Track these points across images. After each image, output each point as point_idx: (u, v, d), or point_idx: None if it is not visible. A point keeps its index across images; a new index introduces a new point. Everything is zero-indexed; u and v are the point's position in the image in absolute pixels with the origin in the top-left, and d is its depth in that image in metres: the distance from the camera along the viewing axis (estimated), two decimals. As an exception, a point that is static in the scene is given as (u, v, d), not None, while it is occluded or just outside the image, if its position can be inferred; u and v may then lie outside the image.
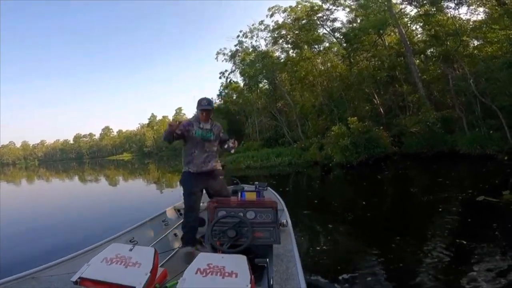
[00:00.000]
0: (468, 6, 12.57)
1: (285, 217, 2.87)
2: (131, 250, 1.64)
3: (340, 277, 3.34)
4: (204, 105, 2.88)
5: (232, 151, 3.04)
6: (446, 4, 12.86)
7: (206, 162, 2.89)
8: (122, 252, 1.62)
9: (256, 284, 1.73)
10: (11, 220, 8.20)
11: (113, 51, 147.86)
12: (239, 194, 2.71)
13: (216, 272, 1.43)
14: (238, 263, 1.51)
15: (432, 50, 15.96)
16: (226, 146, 2.98)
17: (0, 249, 5.11)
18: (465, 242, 3.91)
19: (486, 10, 12.67)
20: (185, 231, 2.81)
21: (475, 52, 12.86)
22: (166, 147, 75.37)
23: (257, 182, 3.23)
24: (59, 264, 2.02)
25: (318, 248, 4.31)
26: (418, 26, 16.38)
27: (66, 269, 1.93)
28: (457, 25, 12.82)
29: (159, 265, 1.71)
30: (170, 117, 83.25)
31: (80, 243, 5.48)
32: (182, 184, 2.96)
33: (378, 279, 3.27)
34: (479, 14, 13.14)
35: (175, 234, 3.44)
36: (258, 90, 25.50)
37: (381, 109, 16.42)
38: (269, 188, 3.70)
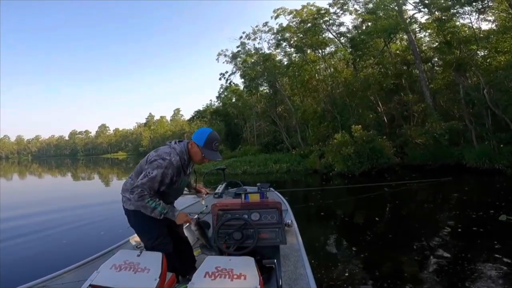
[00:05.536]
0: (485, 13, 12.14)
1: (290, 218, 2.90)
2: (138, 255, 1.64)
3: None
4: (215, 149, 2.04)
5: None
6: (462, 10, 12.41)
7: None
8: (130, 258, 1.62)
9: (265, 286, 1.71)
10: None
11: (117, 52, 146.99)
12: (243, 196, 2.58)
13: (224, 275, 1.43)
14: (246, 265, 1.51)
15: (437, 59, 15.62)
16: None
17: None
18: (495, 269, 3.37)
19: (496, 18, 12.35)
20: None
21: (488, 61, 12.49)
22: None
23: (259, 183, 3.19)
24: (69, 272, 2.05)
25: (320, 251, 4.33)
26: (426, 34, 16.01)
27: (76, 276, 1.96)
28: (472, 31, 12.44)
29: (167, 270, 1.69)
30: (168, 118, 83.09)
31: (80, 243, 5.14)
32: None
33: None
34: (490, 23, 12.84)
35: None
36: (258, 94, 25.10)
37: (384, 118, 15.96)
38: (272, 189, 3.63)
